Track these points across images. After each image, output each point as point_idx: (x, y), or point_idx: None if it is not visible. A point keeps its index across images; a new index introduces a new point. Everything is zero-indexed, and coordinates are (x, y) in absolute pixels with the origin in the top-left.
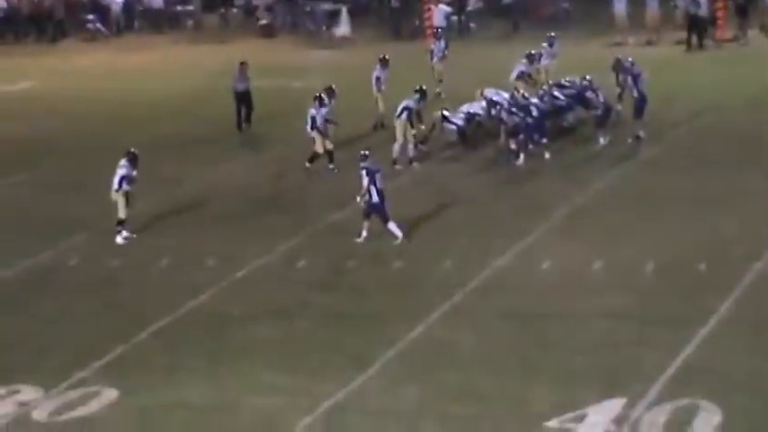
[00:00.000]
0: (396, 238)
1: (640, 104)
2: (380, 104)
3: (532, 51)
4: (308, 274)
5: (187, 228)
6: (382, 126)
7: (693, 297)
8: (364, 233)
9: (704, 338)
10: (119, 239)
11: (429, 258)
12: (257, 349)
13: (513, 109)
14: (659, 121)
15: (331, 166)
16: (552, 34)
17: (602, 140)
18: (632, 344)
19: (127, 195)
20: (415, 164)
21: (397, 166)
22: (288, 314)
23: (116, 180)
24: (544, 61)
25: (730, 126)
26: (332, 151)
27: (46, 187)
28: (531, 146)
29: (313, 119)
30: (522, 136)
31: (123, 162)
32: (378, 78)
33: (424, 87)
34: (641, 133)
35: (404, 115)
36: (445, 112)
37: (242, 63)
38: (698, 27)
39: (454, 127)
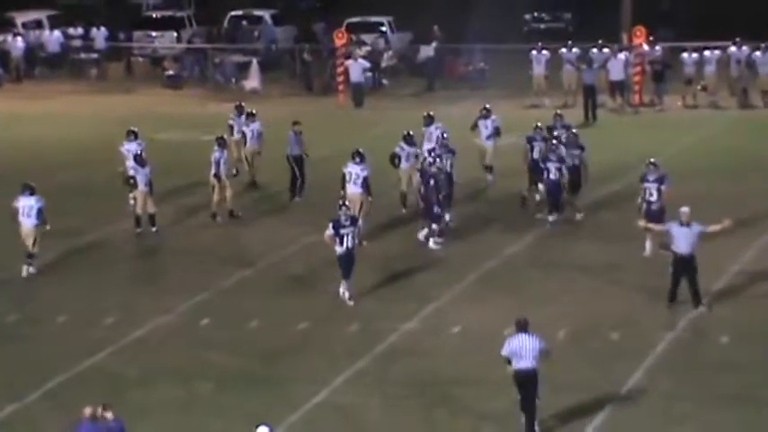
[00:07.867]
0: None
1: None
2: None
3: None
4: (212, 334)
5: (86, 283)
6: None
7: (604, 365)
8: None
9: (615, 407)
10: None
11: (336, 321)
12: (155, 412)
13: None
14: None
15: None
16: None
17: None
18: (542, 412)
19: None
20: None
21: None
22: (188, 375)
23: None
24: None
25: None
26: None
27: None
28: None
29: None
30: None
31: None
32: (217, 162)
33: (361, 150)
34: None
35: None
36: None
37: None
38: (592, 95)
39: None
